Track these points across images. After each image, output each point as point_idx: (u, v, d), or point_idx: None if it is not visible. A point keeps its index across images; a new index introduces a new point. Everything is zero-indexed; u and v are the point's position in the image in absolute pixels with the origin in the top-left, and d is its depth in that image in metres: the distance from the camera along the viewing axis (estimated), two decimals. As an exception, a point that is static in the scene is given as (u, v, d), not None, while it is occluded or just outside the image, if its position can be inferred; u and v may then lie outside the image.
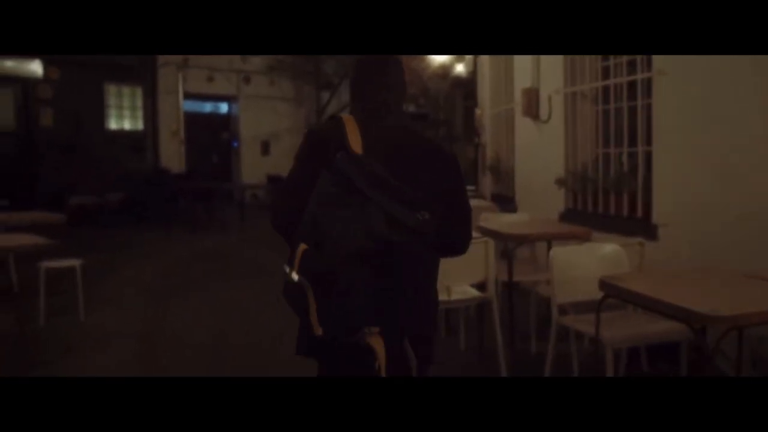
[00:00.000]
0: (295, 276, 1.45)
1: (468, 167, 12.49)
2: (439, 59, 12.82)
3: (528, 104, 5.43)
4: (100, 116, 11.34)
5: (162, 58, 12.11)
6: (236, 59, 13.11)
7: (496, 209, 5.46)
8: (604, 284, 2.58)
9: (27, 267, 4.71)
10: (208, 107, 14.04)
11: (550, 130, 5.23)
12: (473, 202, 6.46)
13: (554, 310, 3.22)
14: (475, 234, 4.00)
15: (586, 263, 3.26)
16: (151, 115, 12.08)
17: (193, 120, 13.17)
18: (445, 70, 13.44)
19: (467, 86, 13.45)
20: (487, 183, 7.24)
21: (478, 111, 7.57)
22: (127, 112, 11.88)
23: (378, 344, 1.46)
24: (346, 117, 1.68)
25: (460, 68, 13.17)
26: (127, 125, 11.90)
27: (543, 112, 5.33)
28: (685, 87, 3.70)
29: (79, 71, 10.53)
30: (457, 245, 1.77)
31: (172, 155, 12.43)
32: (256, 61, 13.37)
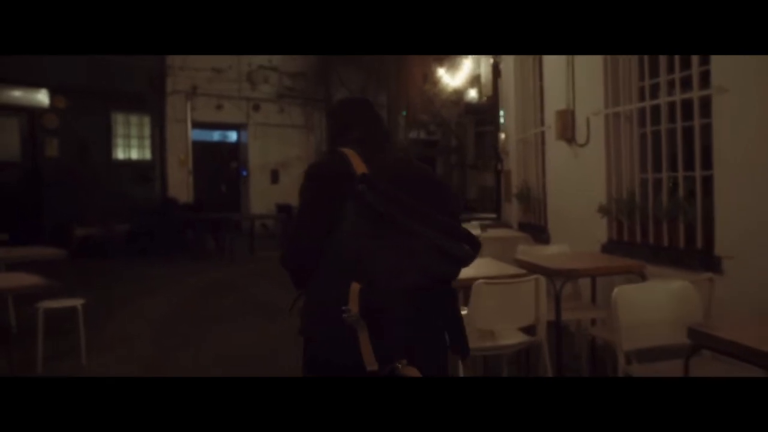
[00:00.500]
0: (352, 315, 1.44)
1: (485, 195, 12.14)
2: (452, 84, 12.61)
3: (563, 127, 5.07)
4: (107, 146, 11.14)
5: (170, 87, 11.93)
6: (245, 87, 12.93)
7: (530, 240, 5.07)
8: (694, 333, 2.20)
9: (27, 306, 4.37)
10: (216, 136, 13.80)
11: (589, 154, 4.85)
12: (499, 232, 6.11)
13: (620, 358, 2.81)
14: (518, 270, 3.63)
15: (652, 303, 2.89)
16: (159, 144, 11.85)
17: (202, 149, 12.94)
18: (458, 96, 13.19)
19: (480, 112, 13.19)
20: (512, 211, 6.85)
21: (502, 136, 7.23)
22: (134, 142, 11.65)
23: (413, 372, 1.47)
24: (348, 150, 1.67)
25: (473, 94, 12.95)
26: (134, 155, 11.67)
27: (580, 135, 4.96)
28: (750, 104, 3.34)
29: (86, 100, 10.35)
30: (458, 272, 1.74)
31: (180, 185, 12.17)
32: (266, 89, 13.19)
